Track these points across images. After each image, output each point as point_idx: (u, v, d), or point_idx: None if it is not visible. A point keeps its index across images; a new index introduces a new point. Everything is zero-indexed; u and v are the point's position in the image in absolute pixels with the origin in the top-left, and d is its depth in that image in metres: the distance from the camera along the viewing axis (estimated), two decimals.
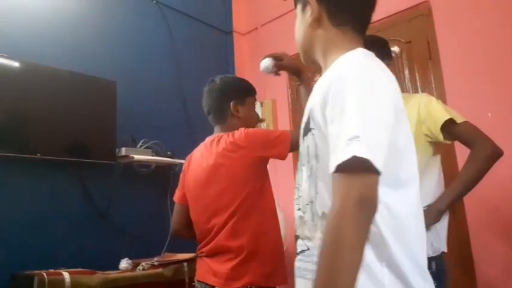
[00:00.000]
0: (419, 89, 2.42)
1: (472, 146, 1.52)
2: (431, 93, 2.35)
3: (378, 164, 0.73)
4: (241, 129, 1.64)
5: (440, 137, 1.53)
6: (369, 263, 0.80)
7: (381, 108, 0.80)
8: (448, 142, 1.58)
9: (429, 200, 1.52)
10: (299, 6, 1.04)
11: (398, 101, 0.86)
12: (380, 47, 1.70)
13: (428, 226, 1.47)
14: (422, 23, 2.45)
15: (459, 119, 1.53)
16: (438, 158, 1.61)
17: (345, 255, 0.72)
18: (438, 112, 1.54)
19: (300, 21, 1.03)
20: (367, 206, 0.73)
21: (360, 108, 0.78)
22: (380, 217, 0.79)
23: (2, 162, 2.01)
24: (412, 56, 2.48)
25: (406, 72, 2.49)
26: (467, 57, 2.27)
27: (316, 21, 0.98)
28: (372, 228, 0.77)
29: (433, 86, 2.38)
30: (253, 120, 1.83)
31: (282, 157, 1.61)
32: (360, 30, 1.00)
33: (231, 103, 1.74)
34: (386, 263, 0.81)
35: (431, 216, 1.49)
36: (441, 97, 2.30)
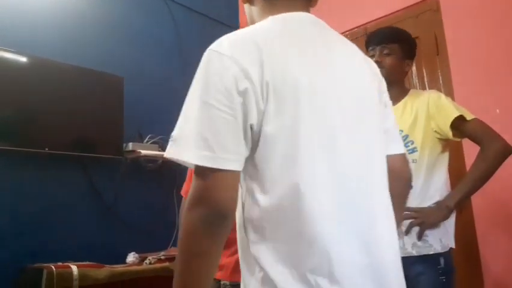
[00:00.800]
0: (427, 85, 2.41)
1: (481, 143, 1.51)
2: (438, 89, 2.33)
3: (194, 160, 0.68)
4: None
5: (450, 134, 1.52)
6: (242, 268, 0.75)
7: (207, 99, 0.71)
8: (457, 139, 1.57)
9: (437, 197, 1.52)
10: None
11: (249, 83, 0.72)
12: (402, 42, 1.70)
13: (437, 223, 1.47)
14: (430, 18, 2.43)
15: (469, 116, 1.51)
16: (446, 155, 1.60)
17: (183, 261, 0.69)
18: (448, 109, 1.52)
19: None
20: (201, 209, 0.67)
21: (186, 103, 0.76)
22: (247, 215, 0.74)
23: (10, 156, 2.04)
24: (419, 52, 2.43)
25: (413, 68, 2.47)
26: (475, 53, 2.25)
27: None
28: (239, 231, 0.75)
29: (441, 82, 2.36)
30: None
31: None
32: None
33: None
34: (257, 271, 0.72)
35: (441, 213, 1.49)
36: (449, 93, 2.28)
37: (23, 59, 2.14)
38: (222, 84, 0.71)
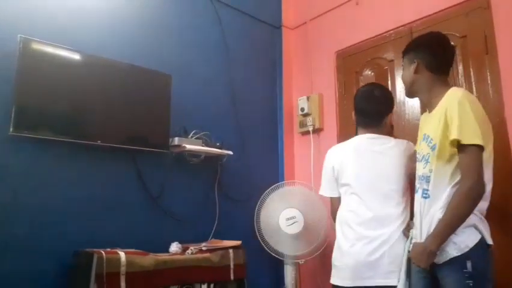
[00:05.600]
0: (473, 85, 2.34)
1: (461, 178, 1.49)
2: (486, 89, 2.27)
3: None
4: None
5: (453, 148, 1.52)
6: None
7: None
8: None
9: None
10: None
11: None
12: (405, 53, 1.85)
13: (424, 267, 1.51)
14: (480, 16, 2.36)
15: (468, 140, 1.46)
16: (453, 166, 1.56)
17: None
18: (455, 125, 1.49)
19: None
20: None
21: None
22: None
23: (65, 147, 2.17)
24: (467, 51, 2.39)
25: (460, 67, 2.40)
26: None
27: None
28: None
29: (489, 82, 2.28)
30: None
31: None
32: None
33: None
34: None
35: (424, 258, 1.51)
36: (498, 93, 2.21)
37: (79, 57, 2.25)
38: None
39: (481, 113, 1.56)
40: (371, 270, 1.73)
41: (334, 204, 2.04)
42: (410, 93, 1.84)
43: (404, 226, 1.78)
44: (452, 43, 1.83)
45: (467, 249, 1.46)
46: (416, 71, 1.74)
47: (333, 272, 1.90)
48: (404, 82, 1.83)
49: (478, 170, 1.45)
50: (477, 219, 1.50)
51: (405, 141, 2.00)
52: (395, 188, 1.83)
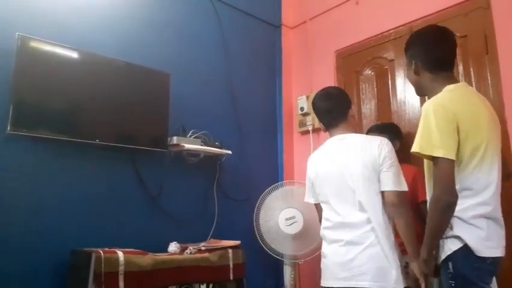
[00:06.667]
0: (474, 85, 2.33)
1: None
2: (486, 90, 2.26)
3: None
4: None
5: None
6: None
7: None
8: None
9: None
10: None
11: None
12: (405, 51, 1.75)
13: (426, 273, 1.57)
14: (480, 16, 2.35)
15: (429, 151, 1.43)
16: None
17: None
18: (416, 137, 1.49)
19: None
20: None
21: None
22: None
23: (64, 145, 2.16)
24: (467, 51, 2.38)
25: (460, 67, 2.40)
26: None
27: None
28: None
29: (489, 82, 2.28)
30: None
31: None
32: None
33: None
34: None
35: (422, 265, 1.57)
36: (498, 93, 2.21)
37: (77, 55, 2.24)
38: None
39: (451, 117, 1.45)
40: (345, 272, 1.75)
41: (318, 209, 2.06)
42: (418, 95, 1.81)
43: (382, 230, 1.74)
44: (450, 33, 1.67)
45: (449, 252, 1.47)
46: (415, 73, 1.67)
47: (321, 274, 1.92)
48: (410, 83, 1.76)
49: (441, 181, 1.42)
50: (462, 228, 1.46)
51: (378, 138, 1.87)
52: (364, 194, 1.79)
